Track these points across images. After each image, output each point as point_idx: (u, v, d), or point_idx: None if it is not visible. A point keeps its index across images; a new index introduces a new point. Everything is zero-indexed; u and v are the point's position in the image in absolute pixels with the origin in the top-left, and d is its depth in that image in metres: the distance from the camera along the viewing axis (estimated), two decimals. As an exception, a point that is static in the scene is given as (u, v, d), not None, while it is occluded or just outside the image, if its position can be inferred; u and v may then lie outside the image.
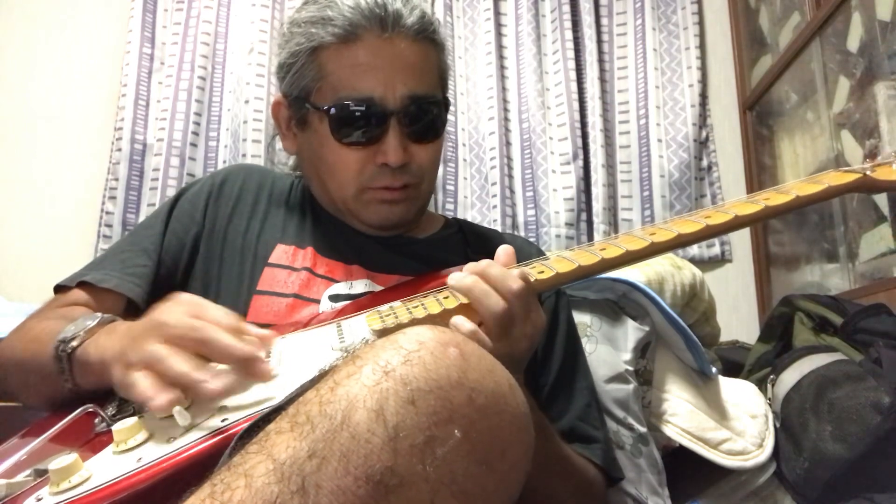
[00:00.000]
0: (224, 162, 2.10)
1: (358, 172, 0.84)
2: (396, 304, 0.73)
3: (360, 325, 0.71)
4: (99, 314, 0.71)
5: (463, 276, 0.67)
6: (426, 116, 0.85)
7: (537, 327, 0.67)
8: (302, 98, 0.86)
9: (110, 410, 0.64)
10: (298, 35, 0.85)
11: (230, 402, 0.59)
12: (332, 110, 0.82)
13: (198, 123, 2.12)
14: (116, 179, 2.06)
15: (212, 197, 0.93)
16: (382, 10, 0.81)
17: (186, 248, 0.89)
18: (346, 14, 0.81)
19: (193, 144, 2.11)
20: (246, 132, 2.07)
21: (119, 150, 2.08)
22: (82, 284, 0.83)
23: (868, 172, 0.73)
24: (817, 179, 0.73)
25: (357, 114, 0.81)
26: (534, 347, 0.69)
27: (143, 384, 0.57)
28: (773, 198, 0.71)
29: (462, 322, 0.64)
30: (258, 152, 2.06)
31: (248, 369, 0.61)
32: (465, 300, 0.66)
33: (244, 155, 2.06)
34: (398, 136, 0.82)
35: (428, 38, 0.86)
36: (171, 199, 0.94)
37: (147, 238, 0.89)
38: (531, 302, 0.66)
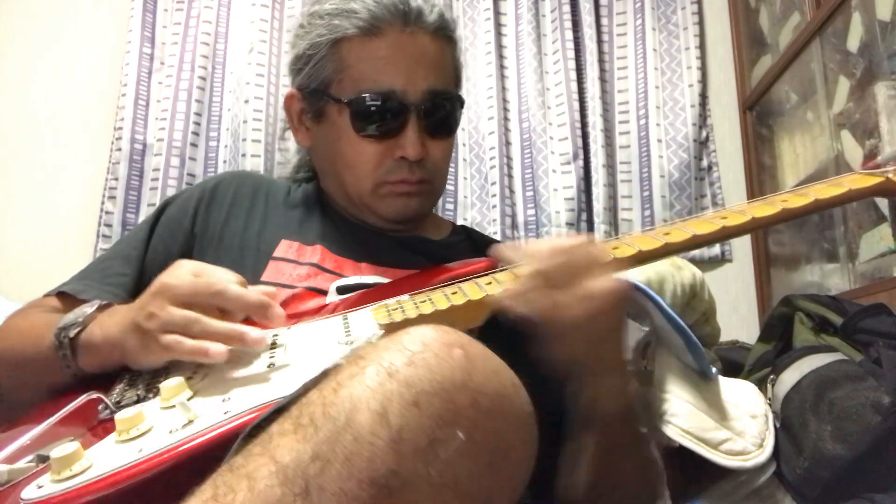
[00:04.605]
0: (224, 162, 2.10)
1: (376, 165, 0.85)
2: (404, 297, 0.73)
3: (367, 319, 0.70)
4: (96, 301, 0.72)
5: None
6: (443, 112, 0.86)
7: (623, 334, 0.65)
8: (321, 90, 0.86)
9: (114, 398, 0.64)
10: (320, 26, 0.85)
11: (233, 395, 0.59)
12: (353, 102, 0.83)
13: (198, 123, 2.12)
14: (116, 179, 2.06)
15: (202, 202, 0.92)
16: (406, 5, 0.83)
17: (174, 254, 0.88)
18: (370, 7, 0.83)
19: (193, 144, 2.11)
20: (246, 132, 2.07)
21: (119, 149, 2.08)
22: (61, 295, 0.83)
23: (891, 175, 0.69)
24: (838, 182, 0.69)
25: (378, 106, 0.82)
26: (621, 351, 0.66)
27: (186, 344, 0.61)
28: (791, 200, 0.68)
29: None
30: (258, 152, 2.06)
31: (264, 315, 0.66)
32: (474, 297, 0.67)
33: (244, 155, 2.06)
34: (417, 129, 0.83)
35: (446, 36, 0.87)
36: (158, 207, 0.94)
37: (130, 245, 0.89)
38: (624, 306, 0.64)
